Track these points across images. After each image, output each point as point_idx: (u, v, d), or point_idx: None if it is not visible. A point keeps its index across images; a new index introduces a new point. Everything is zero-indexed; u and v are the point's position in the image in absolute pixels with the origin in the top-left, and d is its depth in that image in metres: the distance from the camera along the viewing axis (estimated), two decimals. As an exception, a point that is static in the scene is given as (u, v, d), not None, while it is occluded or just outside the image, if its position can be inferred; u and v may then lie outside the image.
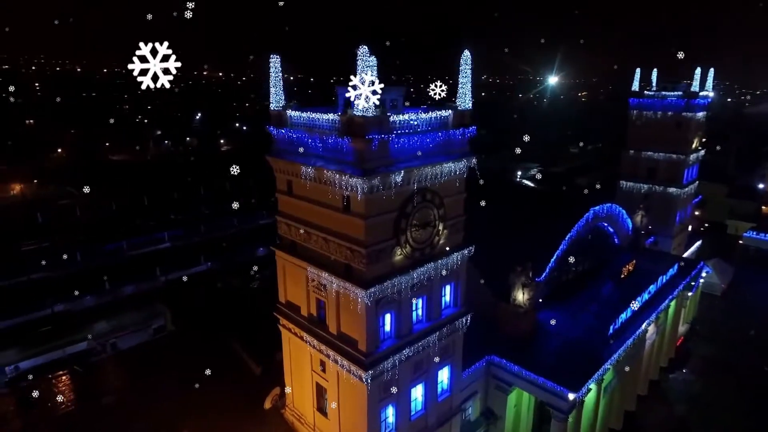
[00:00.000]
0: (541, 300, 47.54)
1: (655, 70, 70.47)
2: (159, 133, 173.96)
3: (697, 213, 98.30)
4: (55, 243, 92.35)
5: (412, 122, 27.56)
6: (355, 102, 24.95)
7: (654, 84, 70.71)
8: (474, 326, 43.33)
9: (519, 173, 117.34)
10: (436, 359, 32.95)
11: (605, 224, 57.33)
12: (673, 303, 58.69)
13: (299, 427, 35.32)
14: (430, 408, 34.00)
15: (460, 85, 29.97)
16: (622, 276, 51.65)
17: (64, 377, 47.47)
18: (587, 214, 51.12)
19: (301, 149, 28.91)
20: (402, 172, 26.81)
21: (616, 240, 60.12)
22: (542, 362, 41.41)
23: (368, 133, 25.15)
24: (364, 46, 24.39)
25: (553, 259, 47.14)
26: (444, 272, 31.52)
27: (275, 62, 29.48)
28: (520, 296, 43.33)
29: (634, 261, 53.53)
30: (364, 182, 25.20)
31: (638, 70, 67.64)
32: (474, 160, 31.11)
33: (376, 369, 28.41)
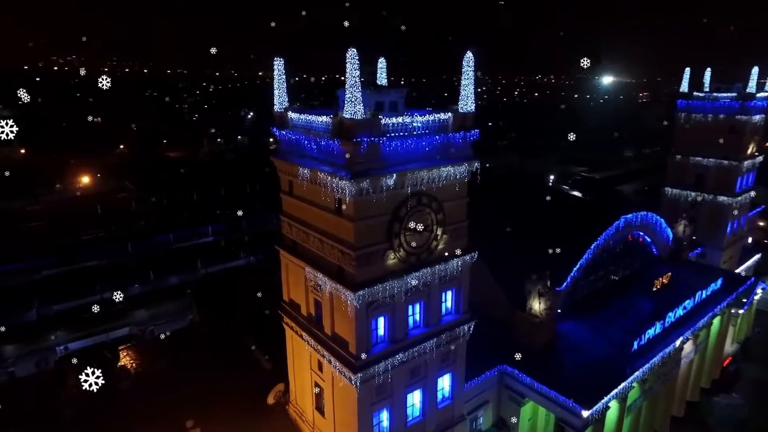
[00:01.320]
0: (561, 310, 45.72)
1: (708, 70, 65.76)
2: (213, 131, 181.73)
3: (761, 224, 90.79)
4: (110, 233, 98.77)
5: (407, 125, 27.25)
6: (345, 104, 25.05)
7: (707, 85, 65.96)
8: (489, 334, 42.53)
9: (552, 177, 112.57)
10: (435, 366, 32.42)
11: (641, 233, 54.19)
12: (716, 320, 54.63)
13: (300, 425, 35.83)
14: (430, 415, 33.49)
15: (462, 87, 29.31)
16: (655, 289, 48.58)
17: (99, 360, 50.30)
18: (617, 222, 48.52)
19: (299, 150, 29.36)
20: (394, 175, 26.55)
21: (654, 250, 56.71)
22: (557, 375, 39.78)
23: (357, 136, 25.12)
24: (353, 49, 24.38)
25: (575, 268, 45.13)
26: (443, 278, 30.95)
27: (279, 65, 30.01)
28: (536, 305, 41.81)
29: (669, 273, 50.22)
30: (352, 185, 25.20)
31: (687, 70, 63.29)
32: (477, 164, 30.29)
33: (366, 372, 28.31)
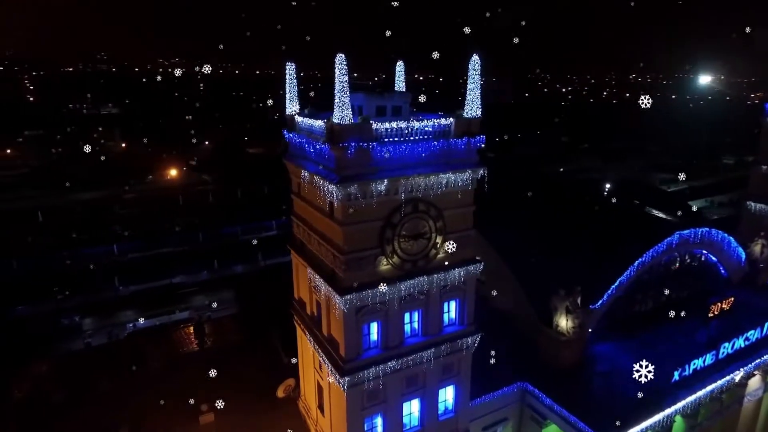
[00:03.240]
0: (597, 330, 42.46)
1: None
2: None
3: None
4: (186, 223, 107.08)
5: (401, 130, 26.81)
6: (334, 109, 25.22)
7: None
8: (515, 348, 40.72)
9: (609, 185, 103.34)
10: (436, 377, 31.63)
11: (705, 252, 48.73)
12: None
13: (307, 420, 36.66)
14: (429, 427, 32.74)
15: (468, 92, 28.25)
16: (711, 314, 43.50)
17: (155, 340, 54.48)
18: (670, 238, 44.11)
19: (302, 153, 30.00)
20: (385, 181, 26.26)
21: (722, 272, 50.79)
22: (581, 400, 37.16)
23: (345, 141, 25.16)
24: (341, 55, 24.44)
25: (613, 286, 41.68)
26: (444, 288, 30.09)
27: (291, 69, 30.82)
28: (563, 323, 39.24)
29: (732, 298, 44.69)
30: (339, 189, 25.31)
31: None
32: (482, 172, 29.05)
33: (355, 376, 28.31)
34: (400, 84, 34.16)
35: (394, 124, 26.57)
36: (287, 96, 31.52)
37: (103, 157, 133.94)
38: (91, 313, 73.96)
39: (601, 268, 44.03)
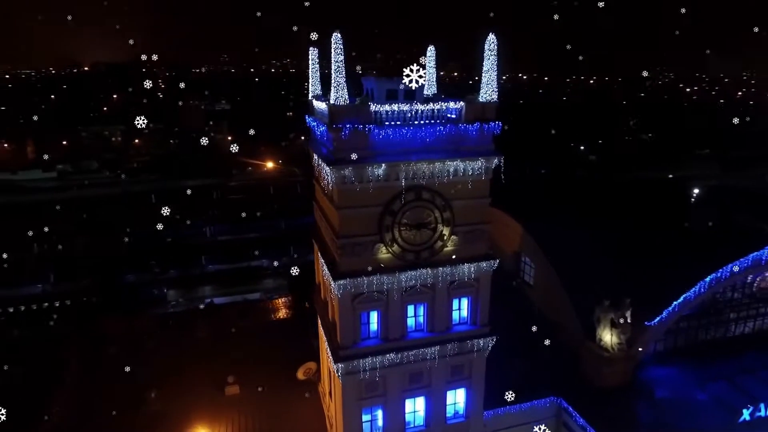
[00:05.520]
0: (657, 351, 37.45)
1: None
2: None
3: None
4: (273, 211, 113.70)
5: (404, 113, 25.70)
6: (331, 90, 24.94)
7: None
8: (556, 360, 37.46)
9: (697, 191, 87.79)
10: (443, 377, 30.00)
11: (809, 273, 40.59)
12: None
13: (323, 404, 36.90)
14: (436, 429, 31.15)
15: (483, 74, 26.28)
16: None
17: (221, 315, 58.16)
18: (758, 253, 37.42)
19: (316, 137, 30.09)
20: (383, 165, 25.37)
21: (836, 299, 41.99)
22: (622, 427, 33.11)
23: (340, 122, 24.73)
24: (337, 33, 24.05)
25: (676, 302, 36.34)
26: (452, 283, 28.38)
27: (314, 54, 31.06)
28: (608, 338, 35.14)
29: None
30: (332, 172, 24.98)
31: None
32: (497, 161, 26.87)
33: (350, 364, 27.78)
34: (431, 70, 32.82)
35: (395, 107, 25.58)
36: (311, 81, 31.82)
37: (211, 149, 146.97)
38: (176, 286, 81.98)
39: (670, 280, 38.70)
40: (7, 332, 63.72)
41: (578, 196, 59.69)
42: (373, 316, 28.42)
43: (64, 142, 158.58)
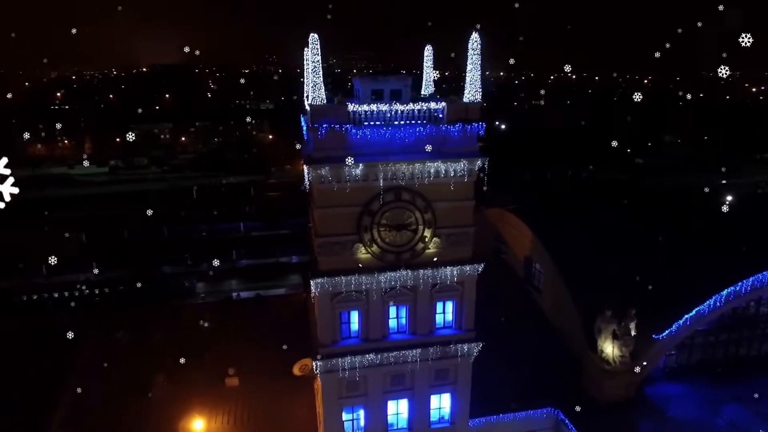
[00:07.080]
0: (668, 367, 35.40)
1: None
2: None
3: None
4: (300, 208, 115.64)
5: (383, 113, 25.57)
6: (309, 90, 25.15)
7: None
8: (558, 370, 36.24)
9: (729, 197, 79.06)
10: (426, 380, 29.63)
11: None
12: None
13: (316, 401, 37.24)
14: (419, 432, 30.84)
15: (467, 74, 25.77)
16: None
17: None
18: (783, 267, 34.54)
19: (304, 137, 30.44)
20: (360, 165, 25.34)
21: None
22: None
23: (318, 122, 24.92)
24: (314, 34, 24.23)
25: (688, 315, 34.17)
26: (434, 285, 27.98)
27: (307, 54, 31.38)
28: (609, 350, 33.59)
29: None
30: (309, 171, 25.23)
31: None
32: (480, 162, 26.26)
33: (329, 362, 27.97)
34: (428, 70, 32.43)
35: (374, 107, 25.51)
36: (306, 81, 32.15)
37: (252, 147, 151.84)
38: (206, 279, 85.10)
39: (687, 293, 36.41)
40: (35, 318, 68.21)
41: (608, 202, 57.33)
42: (354, 316, 28.48)
43: (118, 140, 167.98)
